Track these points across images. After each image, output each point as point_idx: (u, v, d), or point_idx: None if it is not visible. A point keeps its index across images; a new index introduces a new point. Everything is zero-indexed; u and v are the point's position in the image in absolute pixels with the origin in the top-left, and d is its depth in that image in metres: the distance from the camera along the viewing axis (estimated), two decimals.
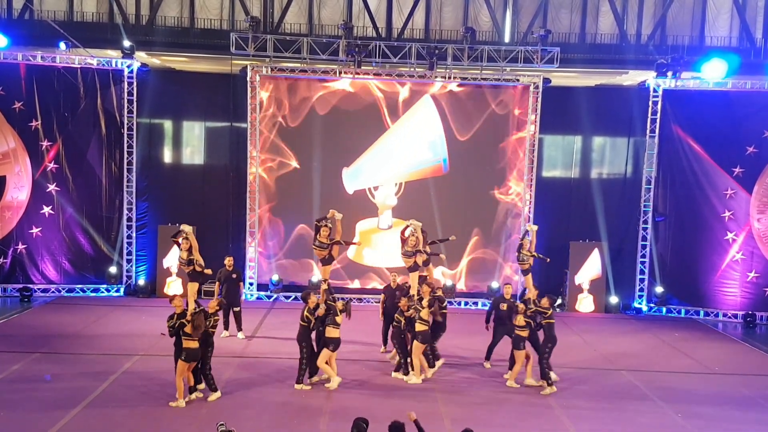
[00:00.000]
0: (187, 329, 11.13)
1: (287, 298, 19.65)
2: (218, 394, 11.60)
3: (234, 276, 15.69)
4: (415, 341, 12.76)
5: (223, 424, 7.86)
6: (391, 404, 11.51)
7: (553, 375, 12.78)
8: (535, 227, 14.64)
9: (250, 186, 19.41)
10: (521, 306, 12.88)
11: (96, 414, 10.84)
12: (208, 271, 12.72)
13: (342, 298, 13.14)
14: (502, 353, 13.84)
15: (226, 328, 15.42)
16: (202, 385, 11.80)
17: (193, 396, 11.53)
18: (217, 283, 15.66)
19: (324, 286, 13.06)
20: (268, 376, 12.78)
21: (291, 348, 14.55)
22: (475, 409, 11.66)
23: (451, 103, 19.45)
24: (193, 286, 12.35)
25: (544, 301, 12.76)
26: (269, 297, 19.50)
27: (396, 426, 7.68)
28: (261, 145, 19.40)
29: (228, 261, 15.86)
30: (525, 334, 12.77)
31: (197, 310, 11.38)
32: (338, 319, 12.27)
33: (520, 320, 12.71)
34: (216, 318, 11.83)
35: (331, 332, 12.24)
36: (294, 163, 19.55)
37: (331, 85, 19.39)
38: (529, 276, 14.22)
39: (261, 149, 19.42)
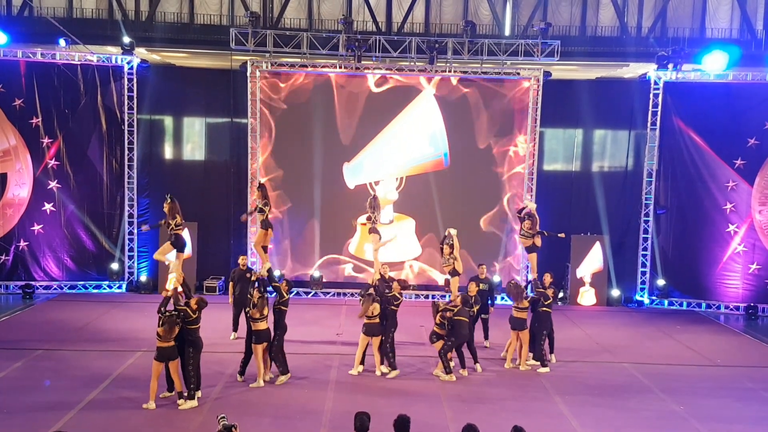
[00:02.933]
0: (159, 331, 10.87)
1: (289, 293, 19.54)
2: (194, 403, 11.05)
3: (248, 275, 14.98)
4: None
5: (224, 417, 7.83)
6: (393, 402, 11.53)
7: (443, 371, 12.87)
8: (455, 231, 14.07)
9: (251, 182, 19.37)
10: (441, 304, 13.21)
11: (98, 411, 10.82)
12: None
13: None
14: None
15: (235, 329, 15.15)
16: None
17: (182, 402, 11.10)
18: (231, 283, 15.11)
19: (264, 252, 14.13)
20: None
21: (291, 343, 14.58)
22: (478, 404, 11.65)
23: (451, 97, 19.39)
24: (166, 248, 12.69)
25: (458, 300, 13.06)
26: (270, 292, 19.35)
27: (401, 420, 7.65)
28: (261, 141, 19.37)
29: (242, 260, 15.46)
30: (442, 332, 12.90)
31: (174, 312, 10.98)
32: (254, 312, 12.09)
33: (438, 318, 12.96)
34: (196, 316, 11.23)
35: (255, 325, 12.16)
36: (293, 159, 19.51)
37: (331, 79, 19.33)
38: (456, 279, 13.85)
39: (261, 145, 19.38)
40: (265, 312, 12.15)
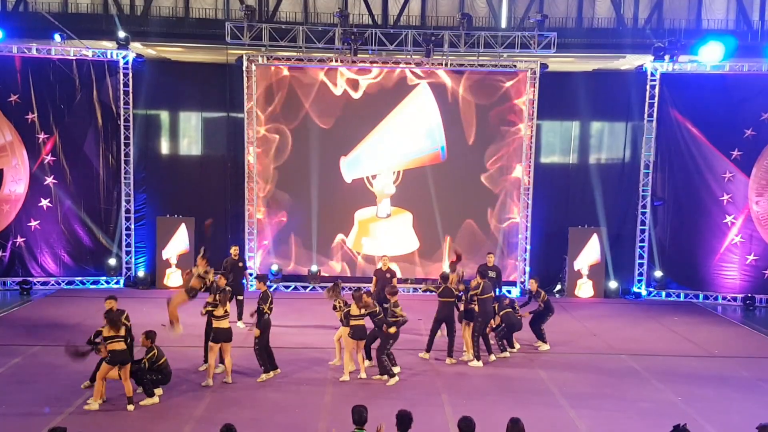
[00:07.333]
0: (104, 331, 10.70)
1: (287, 287, 19.65)
2: (155, 399, 10.95)
3: (240, 265, 15.96)
4: (348, 337, 12.43)
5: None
6: (392, 395, 11.59)
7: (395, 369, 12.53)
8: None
9: (248, 176, 19.35)
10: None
11: (96, 407, 10.82)
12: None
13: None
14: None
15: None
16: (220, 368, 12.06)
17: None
18: (223, 272, 15.22)
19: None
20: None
21: (290, 338, 14.64)
22: (477, 397, 11.67)
23: (448, 90, 19.36)
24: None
25: (478, 279, 13.40)
26: (269, 287, 19.32)
27: (403, 415, 7.66)
28: (258, 135, 19.33)
29: (234, 250, 15.99)
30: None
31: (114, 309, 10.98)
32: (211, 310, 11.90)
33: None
34: (153, 354, 11.17)
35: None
36: (292, 153, 19.49)
37: (327, 73, 19.28)
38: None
39: (258, 139, 19.35)
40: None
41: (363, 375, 12.45)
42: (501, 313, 13.92)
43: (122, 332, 10.75)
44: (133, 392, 10.86)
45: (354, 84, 19.30)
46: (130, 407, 10.72)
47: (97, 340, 10.93)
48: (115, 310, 11.07)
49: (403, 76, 19.25)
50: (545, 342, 14.53)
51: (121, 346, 10.69)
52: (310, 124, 19.38)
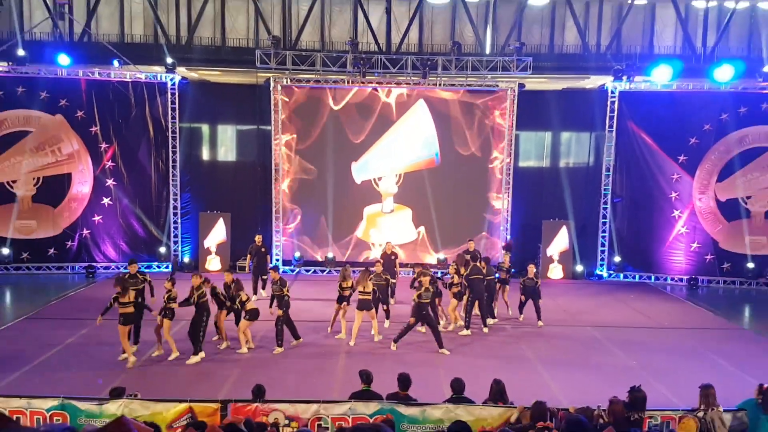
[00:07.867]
0: (121, 297, 10.94)
1: (307, 271, 19.64)
2: (197, 358, 11.14)
3: (263, 250, 16.19)
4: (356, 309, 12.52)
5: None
6: (395, 362, 11.55)
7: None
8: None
9: (274, 179, 19.32)
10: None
11: (149, 370, 10.86)
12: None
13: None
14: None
15: (255, 293, 15.61)
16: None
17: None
18: (248, 256, 16.06)
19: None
20: (289, 339, 12.65)
21: (310, 310, 14.62)
22: (467, 361, 11.66)
23: (441, 106, 19.28)
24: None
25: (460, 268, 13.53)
26: (292, 271, 19.48)
27: (403, 377, 7.67)
28: (283, 144, 19.28)
29: (258, 238, 16.29)
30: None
31: (121, 275, 11.42)
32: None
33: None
34: (201, 291, 11.41)
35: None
36: (311, 159, 19.43)
37: (340, 92, 19.23)
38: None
39: (283, 148, 19.29)
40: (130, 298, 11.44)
41: (377, 336, 12.71)
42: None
43: (132, 297, 11.10)
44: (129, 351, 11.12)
45: (364, 100, 19.24)
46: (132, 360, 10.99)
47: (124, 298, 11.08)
48: (134, 272, 11.83)
49: (404, 95, 19.20)
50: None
51: (130, 309, 11.07)
52: (326, 134, 19.30)
